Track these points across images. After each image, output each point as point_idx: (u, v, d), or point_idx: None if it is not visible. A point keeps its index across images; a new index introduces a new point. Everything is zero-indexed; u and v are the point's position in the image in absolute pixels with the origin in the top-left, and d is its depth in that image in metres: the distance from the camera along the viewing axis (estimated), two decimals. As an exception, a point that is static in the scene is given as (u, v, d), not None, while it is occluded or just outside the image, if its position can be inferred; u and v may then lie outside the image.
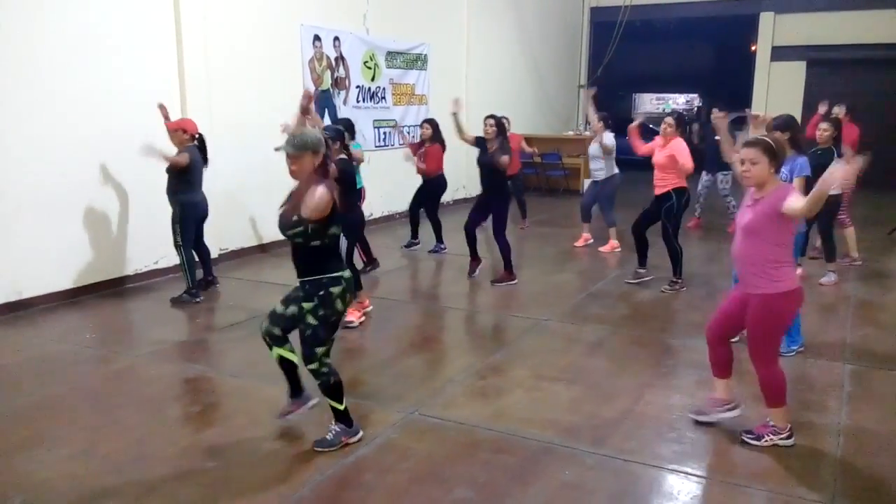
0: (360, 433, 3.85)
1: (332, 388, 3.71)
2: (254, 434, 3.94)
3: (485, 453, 3.75)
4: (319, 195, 3.48)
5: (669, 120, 6.80)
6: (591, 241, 8.97)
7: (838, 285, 7.09)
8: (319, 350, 3.63)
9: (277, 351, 3.83)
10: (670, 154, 6.65)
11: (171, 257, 6.82)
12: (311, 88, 8.45)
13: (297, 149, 3.51)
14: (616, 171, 8.65)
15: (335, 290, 3.61)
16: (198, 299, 6.44)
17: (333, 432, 3.77)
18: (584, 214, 9.00)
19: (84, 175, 6.51)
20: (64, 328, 5.84)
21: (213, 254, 7.60)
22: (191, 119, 6.53)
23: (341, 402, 3.76)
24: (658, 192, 6.82)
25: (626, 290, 6.96)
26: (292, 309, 3.72)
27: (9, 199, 5.96)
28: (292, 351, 3.83)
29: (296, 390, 3.96)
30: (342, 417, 3.79)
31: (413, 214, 8.84)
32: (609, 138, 8.43)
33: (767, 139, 3.68)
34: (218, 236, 7.64)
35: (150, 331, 5.89)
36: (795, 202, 3.48)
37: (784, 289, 3.64)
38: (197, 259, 6.63)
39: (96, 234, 6.71)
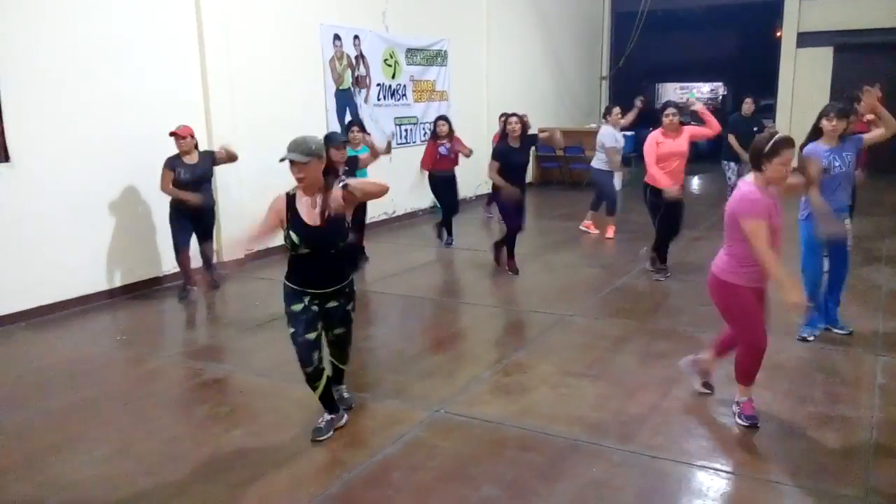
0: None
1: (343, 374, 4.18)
2: (282, 433, 3.98)
3: (511, 451, 3.75)
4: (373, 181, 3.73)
5: (673, 110, 6.74)
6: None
7: (853, 271, 6.97)
8: None
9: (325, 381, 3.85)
10: (689, 137, 6.75)
11: (197, 258, 6.89)
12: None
13: (305, 156, 3.47)
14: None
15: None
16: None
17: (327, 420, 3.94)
18: (612, 207, 9.03)
19: (112, 178, 6.61)
20: (95, 330, 5.95)
21: (240, 254, 7.71)
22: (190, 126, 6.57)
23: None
24: (681, 183, 6.81)
25: (651, 285, 6.89)
26: (339, 330, 3.87)
27: (36, 204, 6.07)
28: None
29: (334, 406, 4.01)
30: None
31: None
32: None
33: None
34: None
35: (179, 332, 5.97)
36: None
37: None
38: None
39: (124, 237, 6.81)
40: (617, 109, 8.80)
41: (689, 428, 3.97)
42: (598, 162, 8.84)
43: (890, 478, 3.45)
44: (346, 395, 4.21)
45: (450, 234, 8.78)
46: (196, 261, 6.76)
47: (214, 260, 6.93)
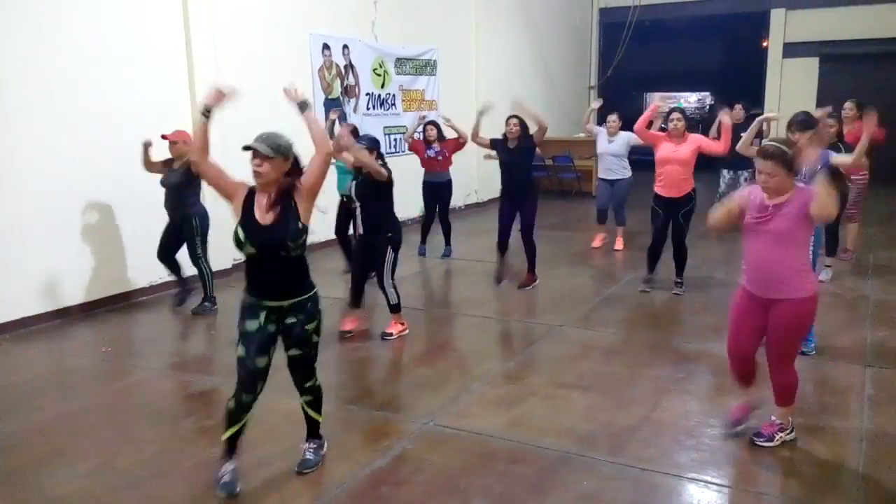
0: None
1: (321, 400, 3.69)
2: (269, 447, 3.93)
3: (501, 464, 3.72)
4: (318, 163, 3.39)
5: (678, 115, 6.58)
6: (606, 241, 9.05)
7: (839, 282, 7.03)
8: (315, 366, 3.59)
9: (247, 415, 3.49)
10: (696, 147, 6.46)
11: (183, 269, 6.85)
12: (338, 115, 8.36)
13: (271, 150, 3.24)
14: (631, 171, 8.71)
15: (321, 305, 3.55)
16: (215, 307, 6.53)
17: (312, 450, 3.70)
18: (603, 216, 9.02)
19: (97, 188, 6.55)
20: (79, 342, 5.87)
21: (227, 264, 7.66)
22: (186, 131, 6.51)
23: (321, 413, 3.73)
24: (679, 193, 6.54)
25: (640, 295, 6.89)
26: (294, 353, 3.47)
27: (21, 214, 6.00)
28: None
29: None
30: (316, 430, 3.74)
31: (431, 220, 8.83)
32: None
33: (783, 148, 3.55)
34: (231, 246, 7.64)
35: (165, 343, 5.90)
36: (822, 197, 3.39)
37: (811, 292, 3.63)
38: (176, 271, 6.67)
39: (110, 248, 6.75)
40: (613, 117, 8.67)
41: (680, 439, 3.96)
42: (603, 172, 8.75)
43: (880, 489, 3.46)
44: (310, 455, 3.67)
45: (423, 241, 8.79)
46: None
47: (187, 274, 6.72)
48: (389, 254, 5.58)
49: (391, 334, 5.69)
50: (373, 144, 5.60)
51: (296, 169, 3.42)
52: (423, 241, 8.80)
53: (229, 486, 3.42)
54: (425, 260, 8.66)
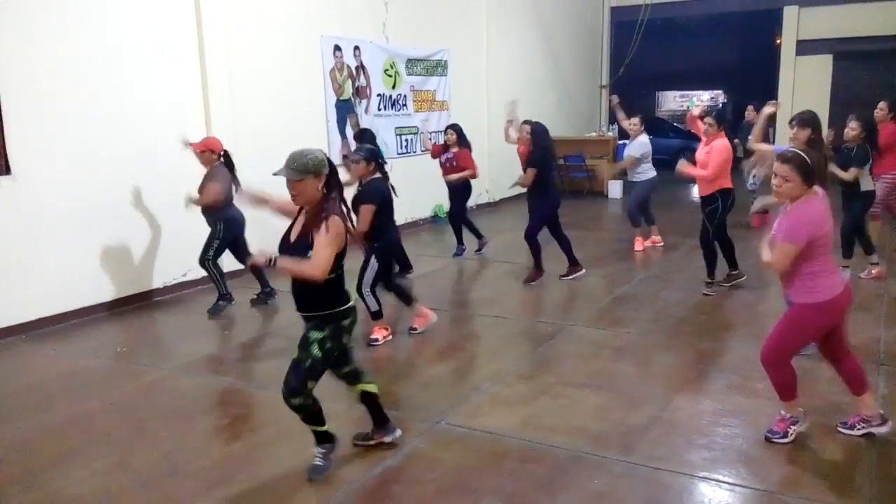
0: (336, 441, 3.70)
1: (315, 416, 3.54)
2: (282, 446, 3.97)
3: (512, 463, 3.73)
4: (332, 233, 3.25)
5: (709, 119, 6.58)
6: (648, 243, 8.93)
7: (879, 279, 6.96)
8: (311, 384, 3.42)
9: (359, 387, 3.75)
10: (710, 152, 6.50)
11: (199, 269, 6.90)
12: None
13: (297, 173, 3.28)
14: (654, 173, 8.58)
15: (346, 322, 3.48)
16: (231, 302, 6.62)
17: (321, 455, 3.65)
18: (634, 219, 8.90)
19: (113, 189, 6.62)
20: (95, 342, 5.94)
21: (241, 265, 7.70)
22: (215, 137, 6.58)
23: (322, 424, 3.60)
24: (702, 193, 6.64)
25: (651, 293, 6.88)
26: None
27: (41, 215, 6.08)
28: (371, 382, 3.80)
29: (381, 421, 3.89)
30: (324, 438, 3.66)
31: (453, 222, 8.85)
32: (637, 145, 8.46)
33: (803, 155, 3.55)
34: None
35: (180, 343, 5.96)
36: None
37: (818, 300, 3.59)
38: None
39: (125, 248, 6.82)
40: (635, 120, 8.56)
41: (691, 439, 3.95)
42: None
43: (894, 488, 3.44)
44: (316, 461, 3.67)
45: (459, 242, 8.78)
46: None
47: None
48: (373, 263, 5.49)
49: (377, 339, 5.62)
50: (370, 155, 5.47)
51: (334, 182, 3.42)
52: (460, 241, 8.80)
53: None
54: (436, 259, 8.67)
